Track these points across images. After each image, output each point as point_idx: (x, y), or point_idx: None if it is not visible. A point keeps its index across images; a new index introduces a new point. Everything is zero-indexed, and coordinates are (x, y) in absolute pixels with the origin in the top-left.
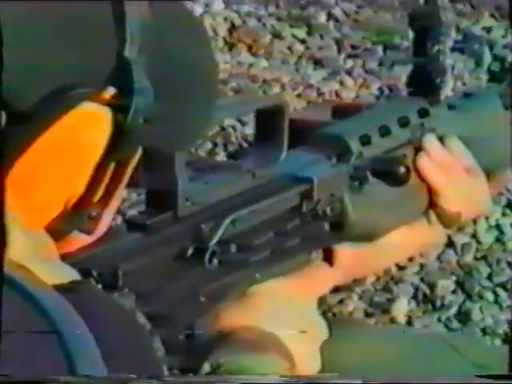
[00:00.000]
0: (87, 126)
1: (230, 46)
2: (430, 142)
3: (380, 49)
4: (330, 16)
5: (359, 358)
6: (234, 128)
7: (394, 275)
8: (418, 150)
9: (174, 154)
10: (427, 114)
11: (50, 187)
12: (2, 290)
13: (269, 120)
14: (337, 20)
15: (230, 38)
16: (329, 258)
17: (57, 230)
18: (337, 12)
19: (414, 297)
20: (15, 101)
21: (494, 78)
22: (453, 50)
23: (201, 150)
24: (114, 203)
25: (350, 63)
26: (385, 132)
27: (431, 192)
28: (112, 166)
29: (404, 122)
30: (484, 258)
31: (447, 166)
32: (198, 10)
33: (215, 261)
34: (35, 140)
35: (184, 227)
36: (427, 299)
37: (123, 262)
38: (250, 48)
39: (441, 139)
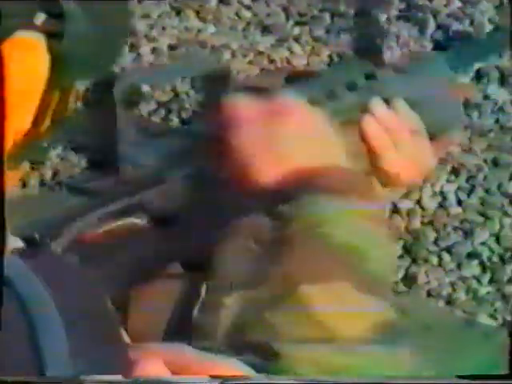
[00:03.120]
0: (25, 55)
1: (178, 11)
2: (376, 104)
3: (327, 16)
4: None
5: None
6: (187, 94)
7: None
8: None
9: (116, 118)
10: (374, 76)
11: None
12: None
13: (215, 84)
14: None
15: (176, 2)
16: None
17: (8, 162)
18: None
19: None
20: None
21: (438, 46)
22: (398, 18)
23: (155, 116)
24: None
25: (297, 30)
26: (332, 96)
27: (371, 154)
28: (56, 94)
29: (352, 86)
30: (431, 223)
31: (391, 128)
32: None
33: None
34: None
35: (126, 190)
36: None
37: (66, 227)
38: (197, 13)
39: (387, 101)
